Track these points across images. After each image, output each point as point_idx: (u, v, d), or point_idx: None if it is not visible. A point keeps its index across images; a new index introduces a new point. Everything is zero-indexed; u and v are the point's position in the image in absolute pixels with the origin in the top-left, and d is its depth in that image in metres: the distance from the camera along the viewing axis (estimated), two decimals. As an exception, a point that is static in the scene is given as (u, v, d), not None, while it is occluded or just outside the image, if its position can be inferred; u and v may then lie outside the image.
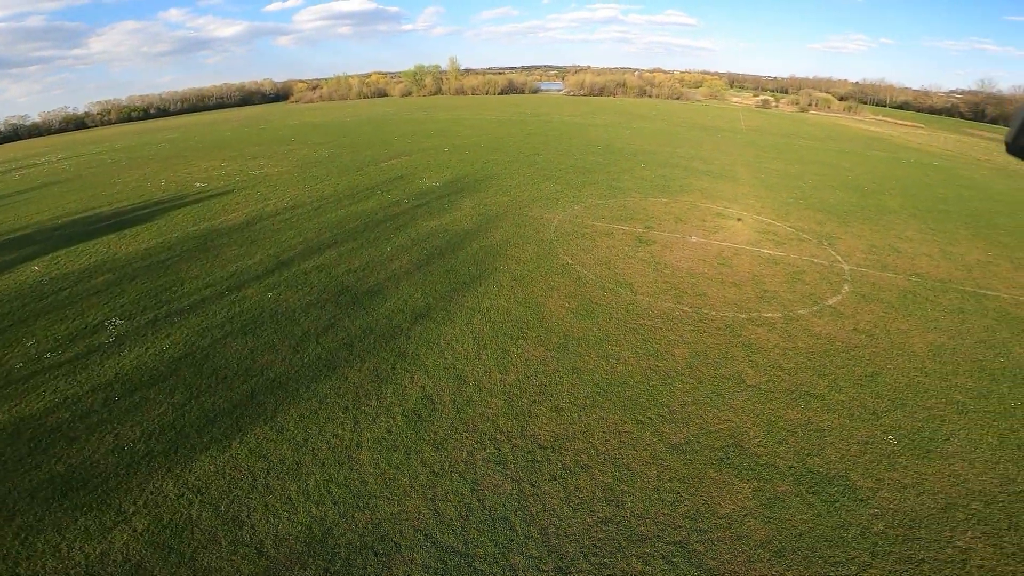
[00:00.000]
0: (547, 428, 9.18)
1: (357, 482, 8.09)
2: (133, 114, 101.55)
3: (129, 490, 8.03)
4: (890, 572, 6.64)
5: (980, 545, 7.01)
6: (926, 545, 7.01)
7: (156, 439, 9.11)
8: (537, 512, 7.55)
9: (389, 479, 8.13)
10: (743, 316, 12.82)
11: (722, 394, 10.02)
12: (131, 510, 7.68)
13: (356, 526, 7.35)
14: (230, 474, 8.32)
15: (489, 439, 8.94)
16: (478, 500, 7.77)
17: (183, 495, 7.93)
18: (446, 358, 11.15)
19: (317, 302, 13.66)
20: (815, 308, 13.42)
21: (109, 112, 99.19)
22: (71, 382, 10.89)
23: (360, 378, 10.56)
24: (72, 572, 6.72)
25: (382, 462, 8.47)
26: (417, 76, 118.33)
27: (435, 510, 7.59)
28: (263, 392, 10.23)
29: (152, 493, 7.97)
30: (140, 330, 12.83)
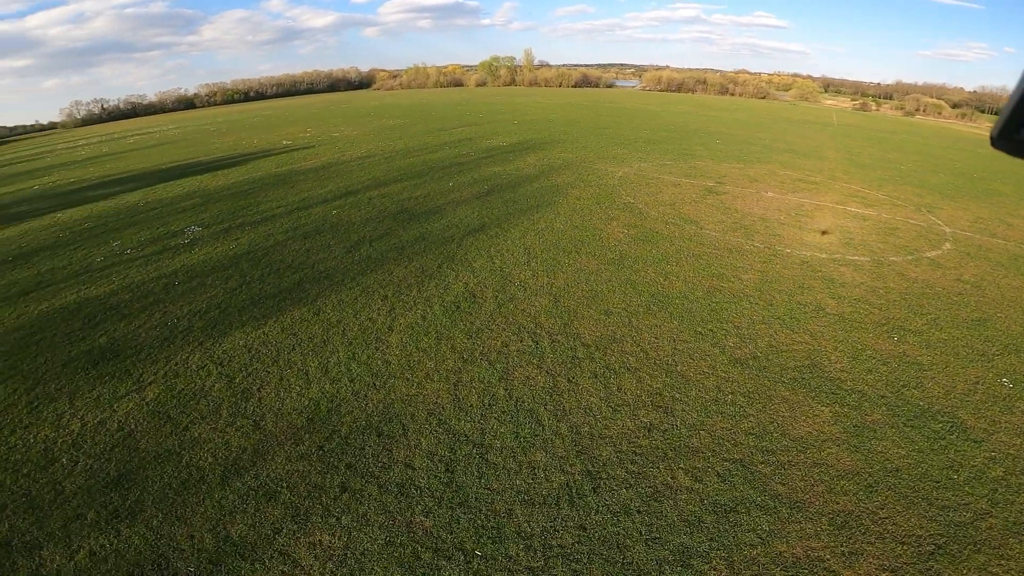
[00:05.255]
0: (593, 329, 8.56)
1: (380, 362, 7.82)
2: (235, 96, 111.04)
3: (155, 361, 8.18)
4: (1015, 524, 5.55)
5: None
6: (1062, 498, 5.71)
7: (200, 317, 9.42)
8: (570, 408, 6.84)
9: (414, 362, 7.80)
10: (823, 256, 11.48)
11: (797, 318, 8.89)
12: (149, 380, 7.77)
13: (367, 405, 7.03)
14: (257, 348, 8.36)
15: (528, 333, 8.43)
16: (505, 390, 7.21)
17: (204, 366, 8.00)
18: (494, 263, 10.78)
19: (376, 217, 13.92)
20: (910, 258, 11.81)
21: (215, 94, 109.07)
22: (140, 271, 11.61)
23: (405, 273, 10.47)
24: (60, 441, 6.57)
25: (410, 345, 8.18)
26: (492, 66, 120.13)
27: (456, 395, 7.12)
28: (310, 281, 10.41)
29: (176, 364, 8.08)
30: (214, 235, 13.73)
